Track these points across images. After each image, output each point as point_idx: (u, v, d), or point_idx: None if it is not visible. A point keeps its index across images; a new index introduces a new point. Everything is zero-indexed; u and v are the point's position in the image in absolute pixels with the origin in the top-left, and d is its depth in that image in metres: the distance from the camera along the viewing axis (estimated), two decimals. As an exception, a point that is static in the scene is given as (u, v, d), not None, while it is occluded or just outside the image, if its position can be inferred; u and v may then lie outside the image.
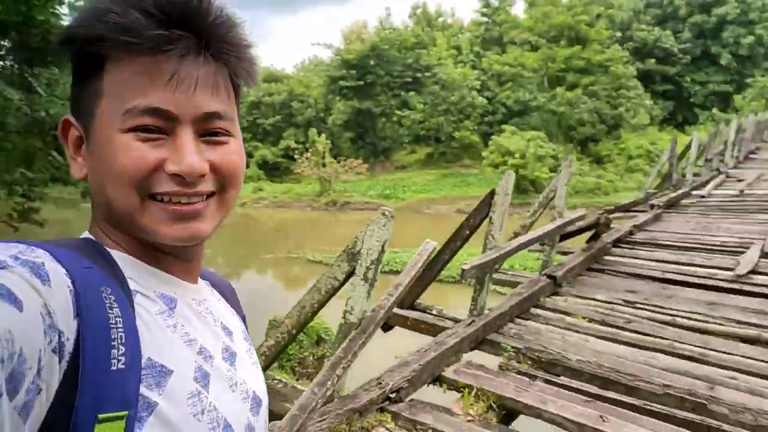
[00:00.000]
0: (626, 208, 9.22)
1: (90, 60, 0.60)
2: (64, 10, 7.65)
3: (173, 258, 0.68)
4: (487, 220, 4.00)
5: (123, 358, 0.51)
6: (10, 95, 5.82)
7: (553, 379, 3.50)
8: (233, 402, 0.67)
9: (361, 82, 38.82)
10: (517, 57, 36.00)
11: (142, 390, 0.54)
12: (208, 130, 0.62)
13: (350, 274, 2.93)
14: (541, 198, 5.74)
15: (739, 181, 12.25)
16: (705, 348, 4.01)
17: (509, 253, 4.15)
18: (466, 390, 3.22)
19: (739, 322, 4.51)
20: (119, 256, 0.63)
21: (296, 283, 14.08)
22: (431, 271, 4.29)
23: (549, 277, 4.96)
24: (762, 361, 3.82)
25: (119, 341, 0.52)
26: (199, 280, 0.75)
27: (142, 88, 0.58)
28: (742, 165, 15.08)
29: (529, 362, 3.74)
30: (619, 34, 39.47)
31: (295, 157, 36.26)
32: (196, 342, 0.64)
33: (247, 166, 39.24)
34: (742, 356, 3.89)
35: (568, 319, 4.48)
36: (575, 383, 3.46)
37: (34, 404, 0.44)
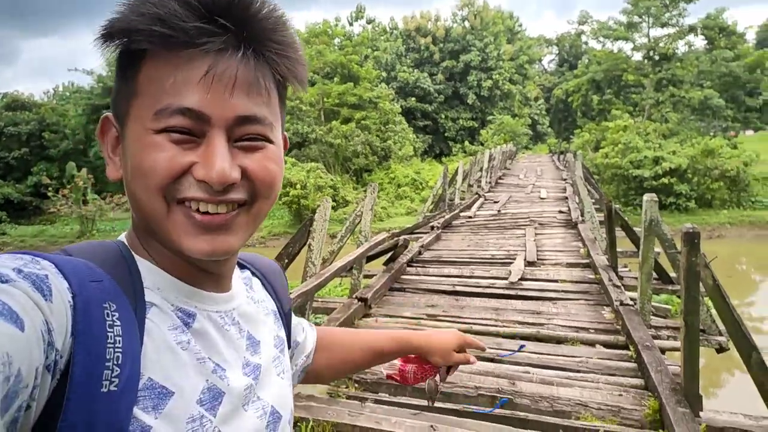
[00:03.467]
0: (411, 231, 10.00)
1: (128, 56, 0.57)
2: None
3: (200, 271, 0.63)
4: (305, 247, 3.97)
5: (116, 380, 0.49)
6: None
7: (382, 398, 3.59)
8: (245, 422, 0.64)
9: (129, 111, 35.78)
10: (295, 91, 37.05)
11: (137, 412, 0.51)
12: (243, 135, 0.58)
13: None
14: (347, 224, 5.92)
15: (495, 203, 14.25)
16: (500, 349, 4.51)
17: (329, 279, 4.17)
18: (303, 424, 3.11)
19: (520, 323, 5.18)
20: (144, 265, 0.60)
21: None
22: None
23: (360, 299, 5.11)
24: (544, 354, 4.44)
25: (114, 362, 0.49)
26: (234, 282, 0.70)
27: (175, 87, 0.54)
28: (495, 189, 17.60)
29: (356, 385, 3.78)
30: (385, 74, 43.26)
31: (49, 194, 31.64)
32: (210, 360, 0.61)
33: (-15, 207, 33.67)
34: (529, 352, 4.47)
35: (383, 338, 4.66)
36: (402, 399, 3.60)
37: (20, 420, 0.43)
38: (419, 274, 6.82)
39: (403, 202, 32.13)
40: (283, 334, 0.79)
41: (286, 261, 4.01)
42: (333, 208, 29.04)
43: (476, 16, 46.77)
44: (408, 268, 6.98)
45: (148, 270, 0.59)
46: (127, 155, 0.57)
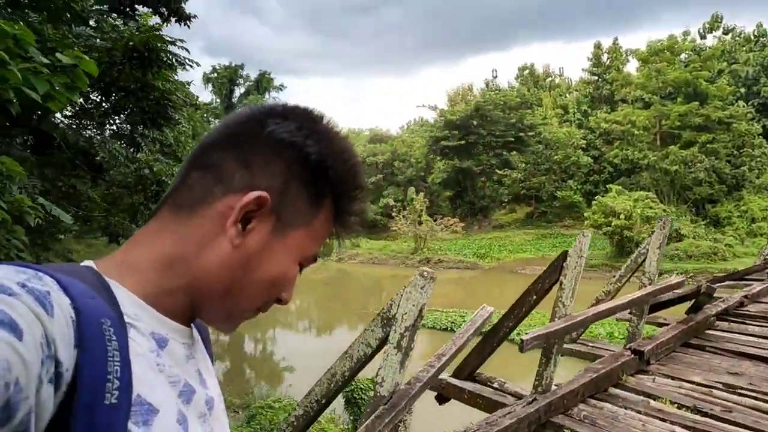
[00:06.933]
0: (739, 276, 8.23)
1: (319, 188, 0.71)
2: (178, 76, 8.44)
3: (175, 306, 0.69)
4: (557, 285, 3.66)
5: (116, 393, 0.51)
6: (118, 152, 6.39)
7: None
8: None
9: (463, 142, 39.12)
10: (627, 114, 34.64)
11: (131, 426, 0.53)
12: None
13: (384, 340, 2.72)
14: (629, 262, 5.22)
15: None
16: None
17: (580, 324, 3.75)
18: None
19: None
20: (119, 290, 0.62)
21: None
22: (493, 339, 3.98)
23: (634, 351, 4.44)
24: None
25: (114, 375, 0.51)
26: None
27: (321, 241, 0.73)
28: None
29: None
30: (743, 90, 36.80)
31: (393, 214, 36.87)
32: (179, 384, 0.65)
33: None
34: None
35: (654, 403, 3.94)
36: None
37: None
38: (732, 331, 5.54)
39: (756, 240, 26.72)
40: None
41: (534, 297, 3.75)
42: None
43: None
44: (718, 322, 5.75)
45: (123, 295, 0.62)
46: (269, 256, 0.69)
